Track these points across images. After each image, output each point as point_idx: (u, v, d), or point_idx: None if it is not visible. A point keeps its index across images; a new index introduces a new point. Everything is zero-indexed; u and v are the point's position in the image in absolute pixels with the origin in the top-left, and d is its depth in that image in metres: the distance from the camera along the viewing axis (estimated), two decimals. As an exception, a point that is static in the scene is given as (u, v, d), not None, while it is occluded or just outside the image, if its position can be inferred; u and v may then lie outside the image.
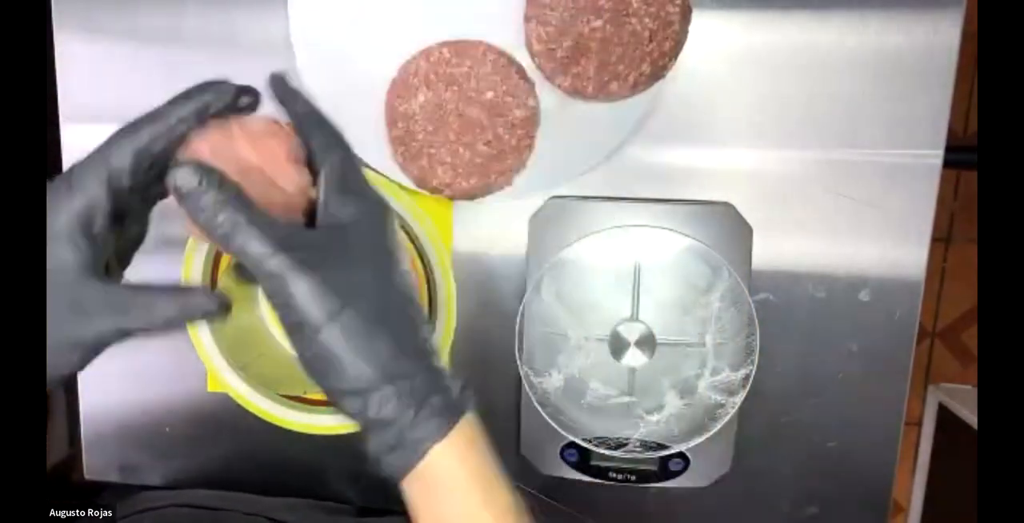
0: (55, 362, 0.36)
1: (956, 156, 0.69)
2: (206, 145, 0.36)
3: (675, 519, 0.58)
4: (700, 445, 0.52)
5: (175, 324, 0.35)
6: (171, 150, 0.36)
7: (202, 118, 0.37)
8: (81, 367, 0.36)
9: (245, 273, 0.37)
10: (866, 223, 0.52)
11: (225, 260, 0.57)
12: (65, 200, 0.35)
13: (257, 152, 0.36)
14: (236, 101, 0.38)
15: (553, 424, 0.53)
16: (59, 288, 0.35)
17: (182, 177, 0.34)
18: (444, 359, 0.55)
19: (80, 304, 0.35)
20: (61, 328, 0.35)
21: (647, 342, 0.52)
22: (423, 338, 0.36)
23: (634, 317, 0.53)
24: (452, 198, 0.51)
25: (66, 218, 0.35)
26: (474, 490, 0.36)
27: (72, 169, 0.35)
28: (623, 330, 0.52)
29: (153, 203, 0.39)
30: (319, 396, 0.58)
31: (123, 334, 0.35)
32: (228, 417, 0.60)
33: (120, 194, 0.36)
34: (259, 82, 0.55)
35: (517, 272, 0.56)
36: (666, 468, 0.55)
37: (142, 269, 0.49)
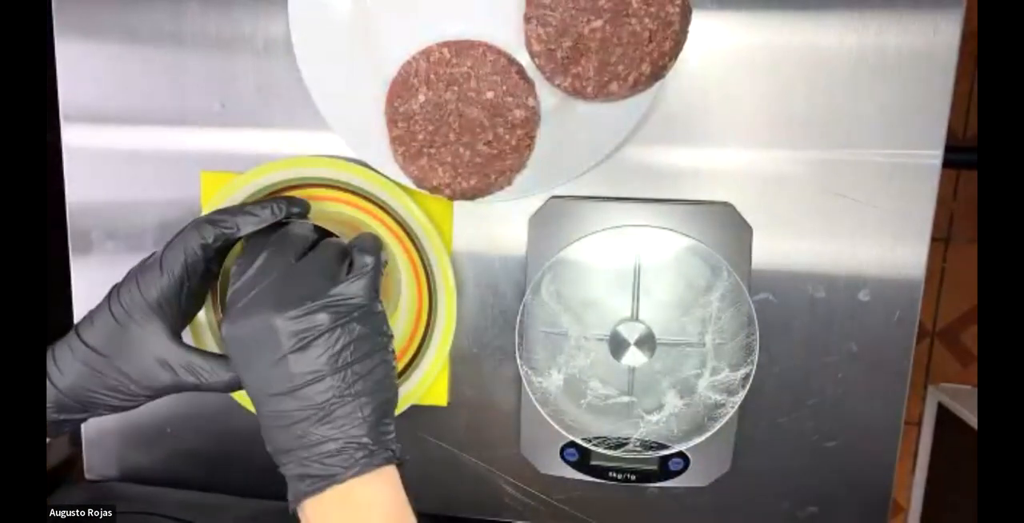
0: (122, 397, 0.45)
1: (956, 156, 0.69)
2: None
3: (675, 519, 0.58)
4: (700, 445, 0.52)
5: (230, 389, 0.45)
6: (229, 245, 0.48)
7: (259, 226, 0.48)
8: (138, 403, 0.46)
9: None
10: (866, 223, 0.52)
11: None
12: (157, 280, 0.45)
13: None
14: (290, 214, 0.49)
15: (553, 424, 0.53)
16: (153, 346, 0.45)
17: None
18: (444, 358, 0.55)
19: (165, 362, 0.45)
20: (145, 374, 0.45)
21: (647, 342, 0.52)
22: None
23: (634, 317, 0.53)
24: (452, 198, 0.51)
25: (157, 293, 0.45)
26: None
27: (161, 255, 0.46)
28: (623, 330, 0.52)
29: (208, 285, 0.49)
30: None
31: (186, 388, 0.46)
32: (229, 417, 0.60)
33: (193, 275, 0.46)
34: (257, 81, 0.55)
35: (517, 272, 0.56)
36: (666, 468, 0.55)
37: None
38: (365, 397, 0.41)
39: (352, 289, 0.42)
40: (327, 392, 0.40)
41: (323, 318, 0.41)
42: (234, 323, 0.42)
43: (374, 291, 0.44)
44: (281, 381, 0.41)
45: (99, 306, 0.46)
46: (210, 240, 0.46)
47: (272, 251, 0.44)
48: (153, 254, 0.47)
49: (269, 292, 0.42)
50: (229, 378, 0.45)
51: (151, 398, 0.46)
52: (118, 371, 0.45)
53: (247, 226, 0.47)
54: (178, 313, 0.46)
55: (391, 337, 0.44)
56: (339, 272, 0.44)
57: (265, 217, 0.48)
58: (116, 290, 0.46)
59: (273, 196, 0.51)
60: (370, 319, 0.43)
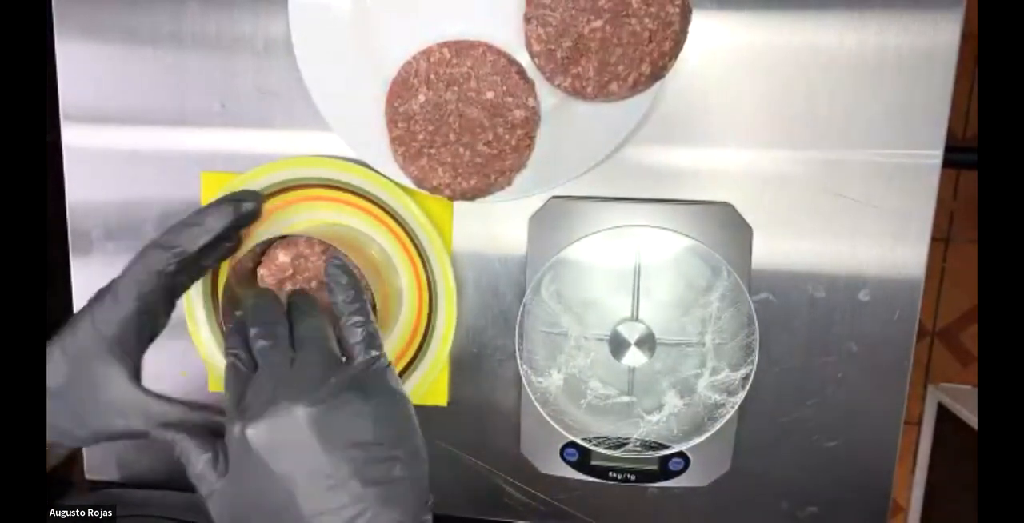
0: (69, 440, 0.41)
1: (956, 156, 0.69)
2: (287, 257, 0.51)
3: (675, 519, 0.58)
4: (700, 445, 0.52)
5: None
6: (194, 260, 0.44)
7: (215, 238, 0.45)
8: (85, 446, 0.43)
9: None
10: (866, 223, 0.52)
11: (224, 265, 0.57)
12: (113, 312, 0.41)
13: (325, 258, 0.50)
14: (239, 213, 0.45)
15: (553, 424, 0.53)
16: (108, 390, 0.40)
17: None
18: (444, 358, 0.55)
19: (120, 407, 0.40)
20: (97, 419, 0.41)
21: (647, 342, 0.52)
22: None
23: (634, 317, 0.53)
24: (452, 198, 0.51)
25: (115, 328, 0.41)
26: None
27: (115, 285, 0.42)
28: (623, 330, 0.52)
29: (173, 304, 0.45)
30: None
31: (142, 435, 0.41)
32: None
33: (152, 303, 0.42)
34: (257, 81, 0.55)
35: (517, 272, 0.56)
36: (666, 468, 0.55)
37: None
38: (420, 479, 0.37)
39: (359, 363, 0.38)
40: (383, 466, 0.36)
41: (348, 395, 0.36)
42: (257, 425, 0.36)
43: (380, 348, 0.39)
44: (332, 470, 0.35)
45: (51, 342, 0.42)
46: (163, 267, 0.43)
47: (266, 351, 0.39)
48: (110, 284, 0.43)
49: (285, 386, 0.37)
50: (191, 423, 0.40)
51: (96, 442, 0.42)
52: (70, 413, 0.41)
53: (198, 240, 0.44)
54: (136, 347, 0.42)
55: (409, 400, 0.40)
56: (335, 348, 0.40)
57: (211, 226, 0.44)
58: (72, 326, 0.41)
59: (228, 196, 0.48)
60: (391, 377, 0.39)
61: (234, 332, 0.41)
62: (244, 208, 0.46)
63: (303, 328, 0.40)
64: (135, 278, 0.42)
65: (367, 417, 0.36)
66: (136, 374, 0.42)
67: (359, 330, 0.39)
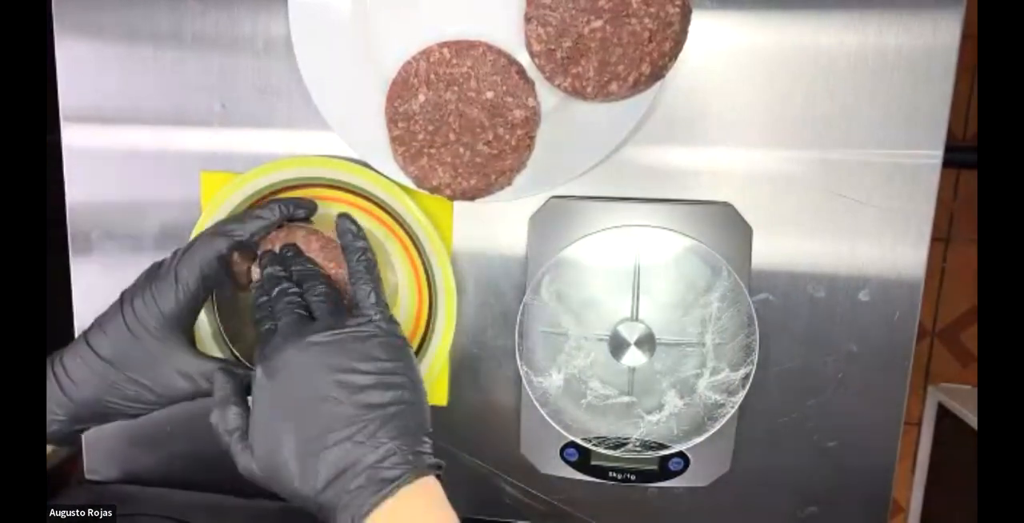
0: (140, 405, 0.46)
1: (956, 156, 0.69)
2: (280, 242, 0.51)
3: (675, 519, 0.58)
4: (700, 445, 0.52)
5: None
6: (236, 251, 0.48)
7: (269, 230, 0.50)
8: (157, 409, 0.47)
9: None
10: (866, 223, 0.52)
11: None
12: (173, 293, 0.45)
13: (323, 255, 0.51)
14: (295, 214, 0.50)
15: (553, 424, 0.53)
16: (170, 359, 0.45)
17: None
18: (444, 358, 0.55)
19: (184, 371, 0.45)
20: (164, 384, 0.45)
21: (647, 342, 0.52)
22: None
23: (634, 317, 0.53)
24: (452, 198, 0.51)
25: (175, 306, 0.45)
26: None
27: (174, 268, 0.46)
28: (623, 330, 0.52)
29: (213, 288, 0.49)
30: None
31: (203, 395, 0.46)
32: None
33: (209, 287, 0.47)
34: (257, 82, 0.55)
35: (517, 272, 0.56)
36: (666, 468, 0.55)
37: (144, 265, 0.49)
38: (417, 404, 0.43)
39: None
40: (379, 392, 0.41)
41: (343, 335, 0.42)
42: (265, 363, 0.42)
43: (377, 307, 0.45)
44: (329, 392, 0.40)
45: (109, 317, 0.46)
46: (225, 251, 0.47)
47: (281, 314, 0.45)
48: (163, 264, 0.47)
49: (293, 336, 0.43)
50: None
51: (166, 406, 0.47)
52: (135, 382, 0.45)
53: (254, 230, 0.49)
54: (192, 323, 0.48)
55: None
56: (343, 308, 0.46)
57: (271, 218, 0.49)
58: (129, 303, 0.46)
59: (277, 198, 0.52)
60: (384, 327, 0.44)
61: (258, 305, 0.47)
62: (300, 212, 0.51)
63: (311, 294, 0.46)
64: (198, 262, 0.46)
65: (361, 352, 0.41)
66: (193, 343, 0.48)
67: (362, 291, 0.45)
